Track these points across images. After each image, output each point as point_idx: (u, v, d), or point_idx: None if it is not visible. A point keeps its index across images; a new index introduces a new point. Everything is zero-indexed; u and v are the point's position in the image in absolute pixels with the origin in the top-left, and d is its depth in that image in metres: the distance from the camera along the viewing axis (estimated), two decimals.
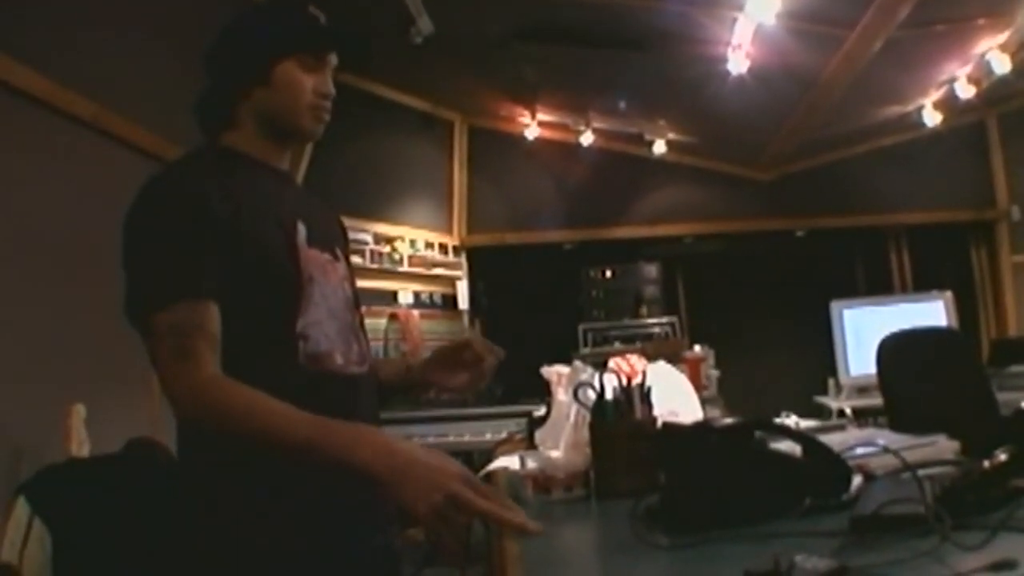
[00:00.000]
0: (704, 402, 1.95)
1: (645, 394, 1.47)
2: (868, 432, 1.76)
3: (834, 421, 3.13)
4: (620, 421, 1.44)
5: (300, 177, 4.56)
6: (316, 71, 1.37)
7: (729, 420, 1.21)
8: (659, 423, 1.46)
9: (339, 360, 1.34)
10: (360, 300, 1.51)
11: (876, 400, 3.74)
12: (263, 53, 1.35)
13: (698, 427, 1.30)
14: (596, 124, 6.12)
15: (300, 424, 1.10)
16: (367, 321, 1.62)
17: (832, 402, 4.89)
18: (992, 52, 4.55)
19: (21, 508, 2.22)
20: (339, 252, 1.44)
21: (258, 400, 1.14)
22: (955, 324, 4.88)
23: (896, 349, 3.45)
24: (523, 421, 2.16)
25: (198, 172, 1.31)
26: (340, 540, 1.28)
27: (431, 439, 4.12)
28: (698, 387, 2.43)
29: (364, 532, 1.33)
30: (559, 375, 1.68)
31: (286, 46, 1.35)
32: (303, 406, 1.15)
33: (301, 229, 1.35)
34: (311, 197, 1.51)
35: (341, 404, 1.27)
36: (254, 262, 1.27)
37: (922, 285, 6.44)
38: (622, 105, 5.69)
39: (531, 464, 1.51)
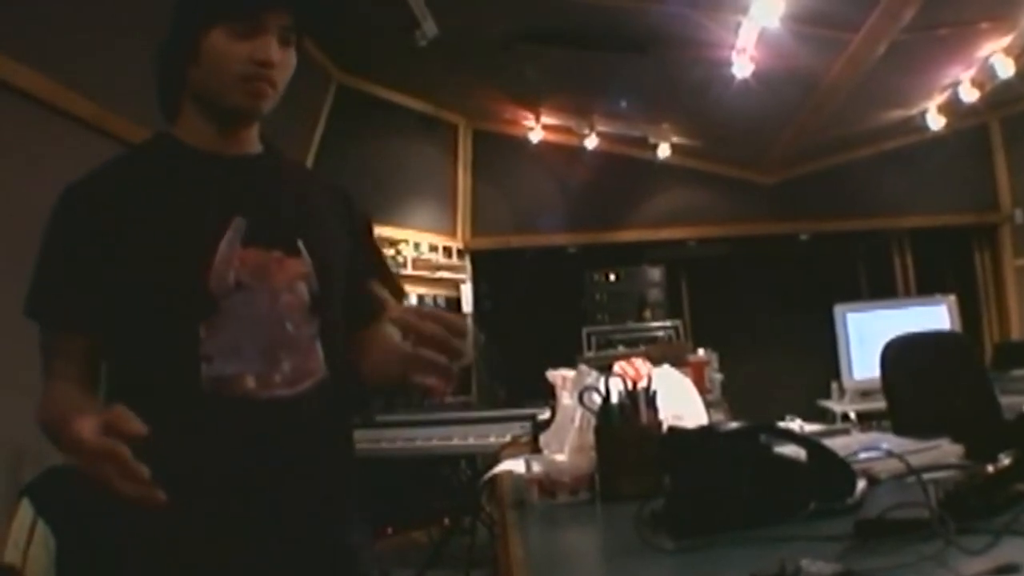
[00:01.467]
0: (708, 405, 1.95)
1: (650, 398, 1.47)
2: (872, 436, 1.76)
3: (838, 425, 3.14)
4: (625, 425, 1.44)
5: None
6: (251, 37, 1.16)
7: (734, 424, 1.21)
8: (664, 427, 1.46)
9: (250, 384, 1.15)
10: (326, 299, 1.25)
11: (880, 404, 3.73)
12: (188, 25, 1.18)
13: (703, 431, 1.30)
14: (600, 127, 6.13)
15: (48, 419, 1.15)
16: None
17: (836, 406, 4.88)
18: (996, 56, 4.56)
19: (25, 510, 2.23)
20: (302, 245, 1.23)
21: (45, 401, 1.19)
22: (958, 327, 4.86)
23: (899, 353, 3.44)
24: (528, 424, 2.16)
25: (108, 179, 1.22)
26: (284, 535, 1.19)
27: (435, 441, 4.12)
28: (702, 390, 2.43)
29: (315, 528, 1.23)
30: (564, 378, 1.69)
31: (210, 13, 1.16)
32: (207, 436, 1.12)
33: (236, 227, 1.18)
34: (283, 182, 1.31)
35: (251, 434, 1.15)
36: (145, 279, 1.16)
37: (925, 288, 6.44)
38: (625, 107, 5.69)
39: (536, 467, 1.51)
